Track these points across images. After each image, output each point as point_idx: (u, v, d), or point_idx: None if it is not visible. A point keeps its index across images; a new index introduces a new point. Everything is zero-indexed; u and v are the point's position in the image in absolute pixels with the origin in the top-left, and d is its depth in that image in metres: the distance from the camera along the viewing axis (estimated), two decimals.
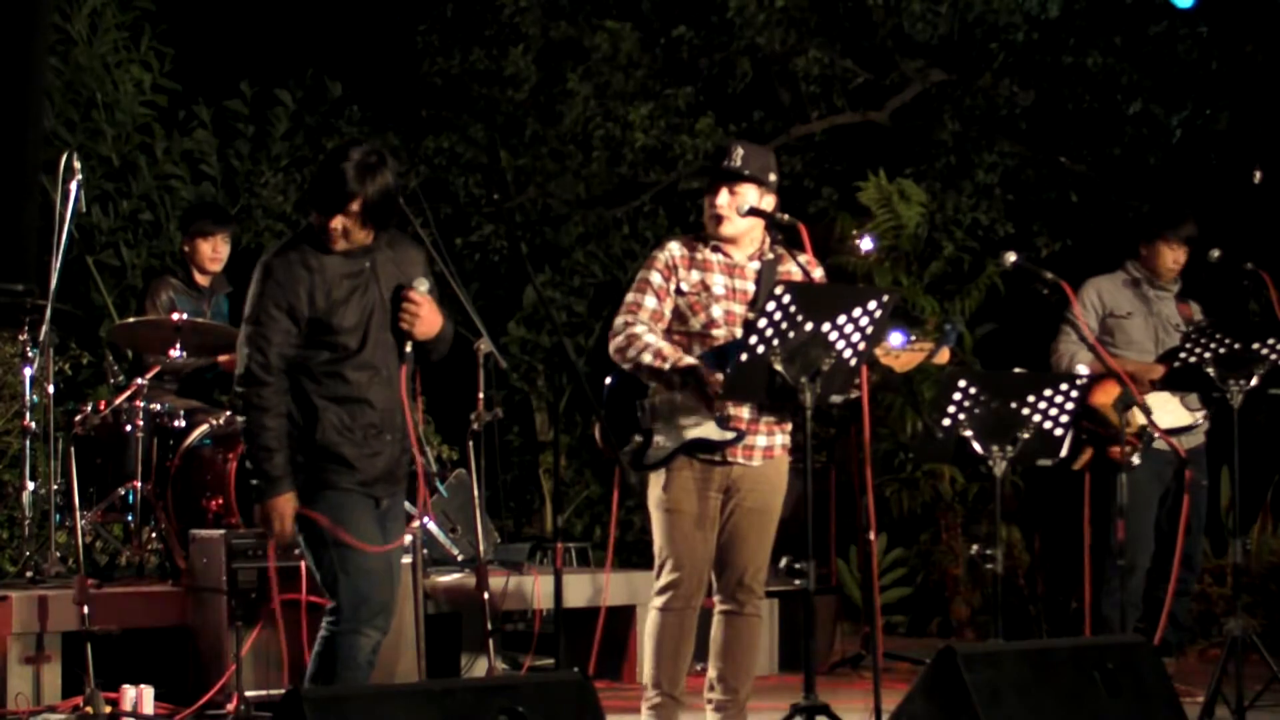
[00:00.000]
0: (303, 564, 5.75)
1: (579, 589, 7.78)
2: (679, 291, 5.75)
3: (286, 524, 5.11)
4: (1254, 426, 7.48)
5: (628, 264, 11.50)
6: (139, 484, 7.29)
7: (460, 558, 7.74)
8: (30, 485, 7.31)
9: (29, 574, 7.06)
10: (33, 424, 7.34)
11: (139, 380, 7.39)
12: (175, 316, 7.42)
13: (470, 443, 7.43)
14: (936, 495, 10.23)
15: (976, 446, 5.77)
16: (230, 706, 6.39)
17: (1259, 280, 6.92)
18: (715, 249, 5.79)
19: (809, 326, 5.31)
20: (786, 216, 5.74)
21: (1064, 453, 5.93)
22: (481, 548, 7.28)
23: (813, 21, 11.11)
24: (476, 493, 7.56)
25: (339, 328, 5.13)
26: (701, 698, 5.91)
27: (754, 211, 5.71)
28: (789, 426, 5.83)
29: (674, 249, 5.80)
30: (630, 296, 5.78)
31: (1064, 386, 5.85)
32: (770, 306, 5.27)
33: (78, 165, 7.30)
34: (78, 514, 7.21)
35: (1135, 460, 7.14)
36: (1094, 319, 7.62)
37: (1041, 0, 10.80)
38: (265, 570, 6.22)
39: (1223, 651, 6.34)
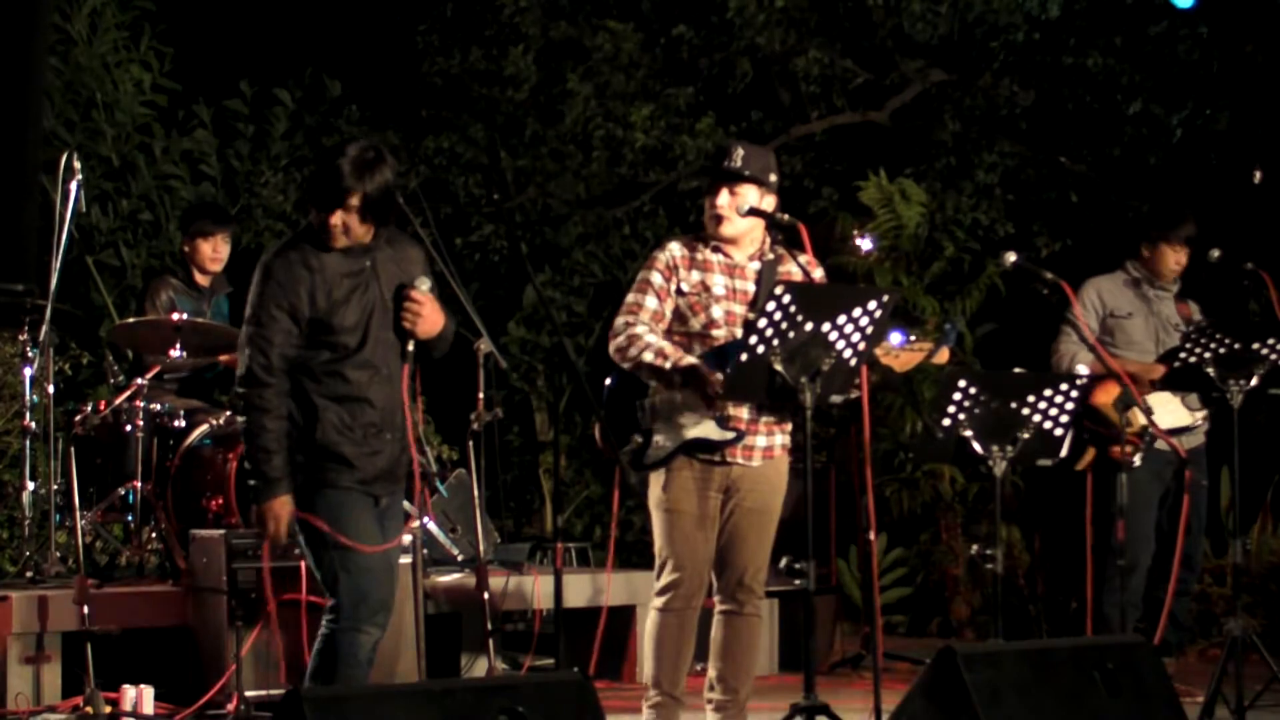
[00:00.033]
0: (302, 564, 5.75)
1: (579, 589, 7.78)
2: (679, 292, 5.75)
3: (281, 527, 5.11)
4: (1254, 426, 7.48)
5: (628, 264, 11.50)
6: (139, 484, 7.29)
7: (460, 558, 7.74)
8: (30, 485, 7.31)
9: (29, 574, 7.06)
10: (33, 424, 7.33)
11: (139, 380, 7.39)
12: (175, 316, 7.42)
13: (470, 443, 7.43)
14: (936, 495, 10.23)
15: (976, 446, 5.77)
16: (230, 706, 6.38)
17: (1259, 280, 6.92)
18: (715, 249, 5.79)
19: (809, 326, 5.31)
20: (786, 216, 5.74)
21: (1064, 453, 5.94)
22: (481, 548, 7.28)
23: (813, 21, 11.11)
24: (476, 493, 7.56)
25: (339, 327, 5.13)
26: (701, 698, 5.91)
27: (754, 212, 5.72)
28: (789, 426, 5.84)
29: (674, 249, 5.81)
30: (631, 297, 5.79)
31: (1064, 386, 5.85)
32: (770, 306, 5.27)
33: (78, 165, 7.30)
34: (78, 514, 7.21)
35: (1137, 460, 7.15)
36: (1094, 319, 7.62)
37: (1041, 0, 10.79)
38: (268, 569, 6.21)
39: (1223, 651, 6.34)
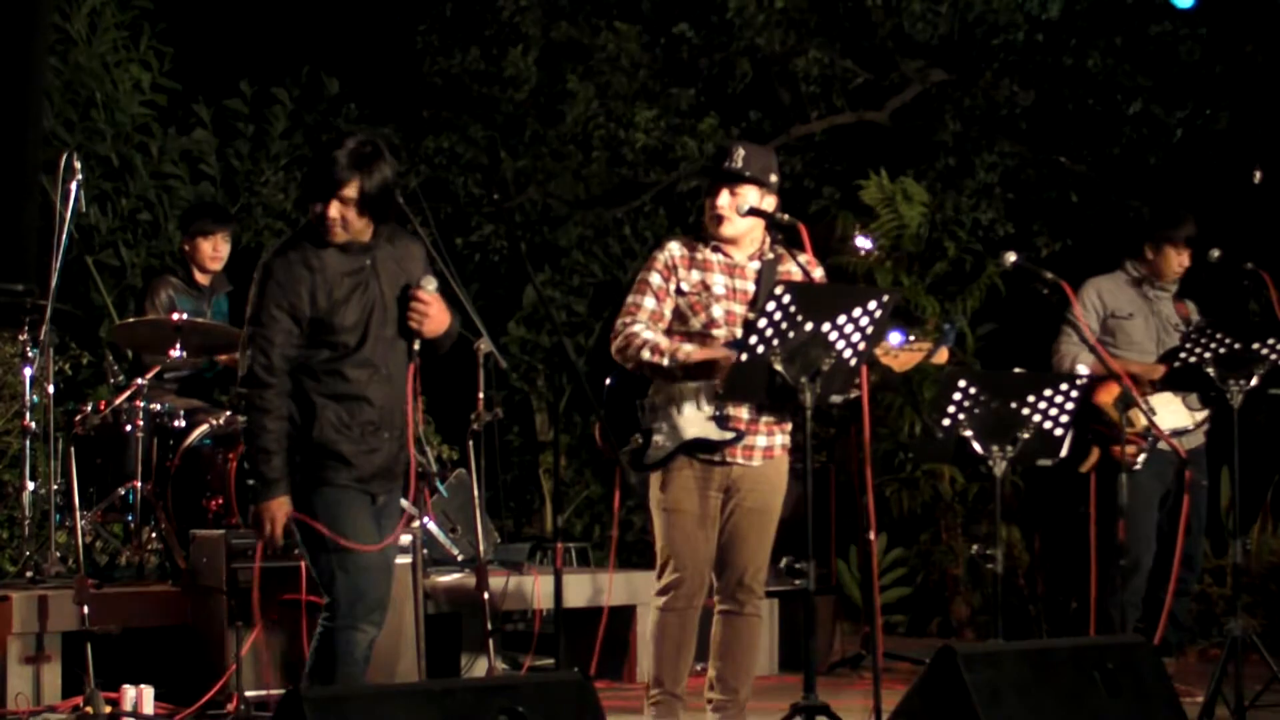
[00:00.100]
0: (302, 564, 5.75)
1: (579, 589, 7.78)
2: (679, 291, 5.75)
3: (277, 528, 5.12)
4: (1254, 426, 7.48)
5: (628, 264, 11.51)
6: (139, 484, 7.29)
7: (460, 558, 7.74)
8: (30, 485, 7.31)
9: (29, 574, 7.06)
10: (33, 424, 7.33)
11: (139, 380, 7.39)
12: (175, 316, 7.42)
13: (470, 443, 7.43)
14: (936, 495, 10.23)
15: (976, 446, 5.77)
16: (230, 706, 6.39)
17: (1259, 280, 6.92)
18: (715, 249, 5.80)
19: (809, 326, 5.31)
20: (786, 216, 5.75)
21: (1064, 453, 5.94)
22: (481, 548, 7.28)
23: (813, 22, 11.11)
24: (476, 493, 7.56)
25: (340, 326, 5.13)
26: (702, 698, 5.92)
27: (754, 211, 5.72)
28: (789, 426, 5.84)
29: (674, 249, 5.81)
30: (630, 298, 5.80)
31: (1064, 386, 5.85)
32: (770, 306, 5.27)
33: (78, 165, 7.30)
34: (78, 514, 7.21)
35: (1140, 461, 7.16)
36: (1095, 320, 7.61)
37: (1041, 0, 10.79)
38: (264, 570, 6.21)
39: (1223, 651, 6.34)
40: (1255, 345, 6.38)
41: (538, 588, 7.57)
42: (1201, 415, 7.48)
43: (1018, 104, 11.03)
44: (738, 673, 5.84)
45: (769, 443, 5.78)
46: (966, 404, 5.75)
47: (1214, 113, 10.63)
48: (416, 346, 5.24)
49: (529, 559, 8.75)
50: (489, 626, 7.05)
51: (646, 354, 5.66)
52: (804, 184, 11.37)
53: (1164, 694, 5.42)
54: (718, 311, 5.72)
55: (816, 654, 5.83)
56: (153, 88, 10.86)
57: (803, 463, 5.35)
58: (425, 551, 7.17)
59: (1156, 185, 10.62)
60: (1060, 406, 5.83)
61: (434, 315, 5.22)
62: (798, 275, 5.70)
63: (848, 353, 5.41)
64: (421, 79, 11.64)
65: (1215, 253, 7.13)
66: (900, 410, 10.11)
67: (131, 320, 7.62)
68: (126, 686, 6.41)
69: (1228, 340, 6.41)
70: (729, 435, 5.68)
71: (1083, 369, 7.15)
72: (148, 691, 6.42)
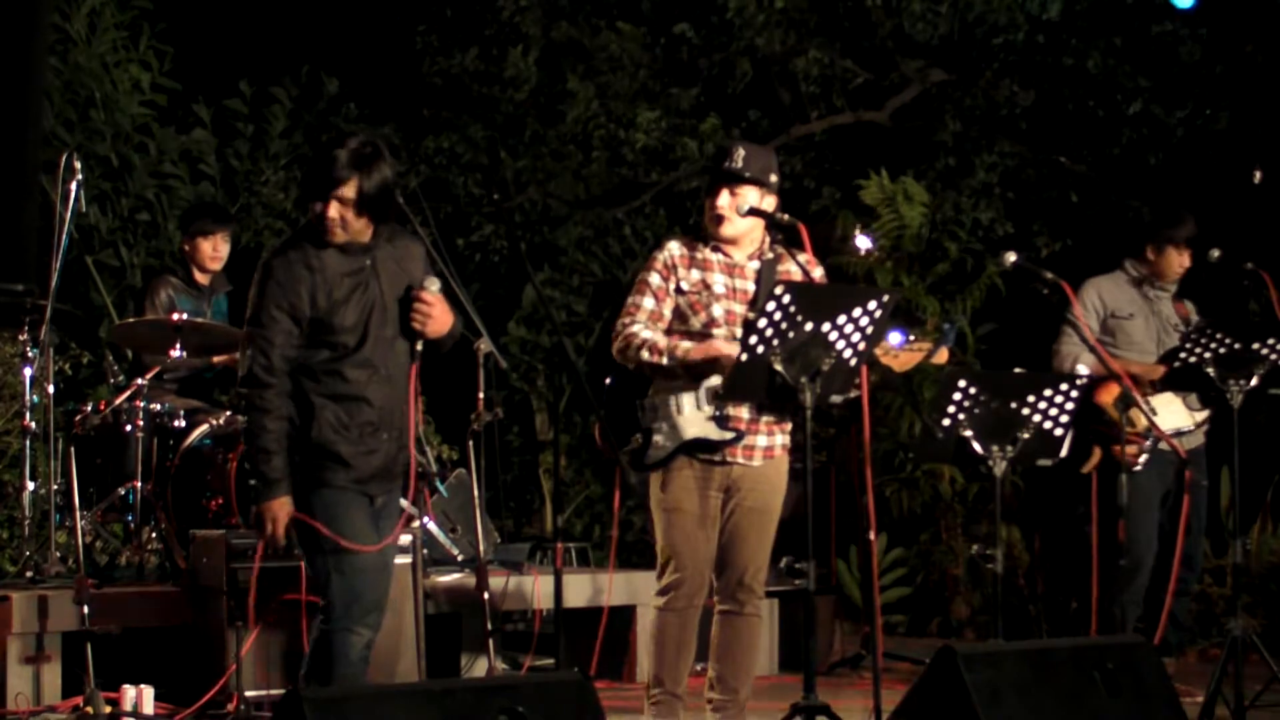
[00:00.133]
0: (302, 564, 5.75)
1: (579, 589, 7.78)
2: (679, 291, 5.76)
3: (279, 528, 5.11)
4: (1254, 426, 7.48)
5: (628, 264, 11.50)
6: (139, 484, 7.29)
7: (460, 558, 7.74)
8: (30, 485, 7.30)
9: (29, 574, 7.06)
10: (33, 424, 7.33)
11: (139, 380, 7.39)
12: (175, 316, 7.42)
13: (470, 443, 7.43)
14: (936, 495, 10.23)
15: (976, 446, 5.77)
16: (230, 706, 6.38)
17: (1259, 280, 6.91)
18: (715, 248, 5.80)
19: (809, 326, 5.31)
20: (786, 216, 5.75)
21: (1064, 453, 5.94)
22: (481, 548, 7.28)
23: (812, 22, 11.11)
24: (476, 493, 7.56)
25: (339, 327, 5.13)
26: (702, 698, 5.92)
27: (754, 211, 5.72)
28: (789, 426, 5.84)
29: (673, 249, 5.81)
30: (630, 298, 5.80)
31: (1064, 387, 5.85)
32: (770, 306, 5.27)
33: (78, 165, 7.29)
34: (78, 514, 7.21)
35: (1142, 461, 7.17)
36: (1095, 320, 7.61)
37: (1041, 0, 10.79)
38: (264, 570, 6.21)
39: (1223, 651, 6.34)
40: (1255, 345, 6.38)
41: (538, 588, 7.57)
42: (1202, 415, 7.48)
43: (1018, 104, 11.03)
44: (738, 673, 5.84)
45: (769, 443, 5.78)
46: (966, 404, 5.75)
47: (1214, 113, 10.63)
48: (420, 347, 5.24)
49: (529, 559, 8.74)
50: (489, 626, 7.05)
51: (646, 353, 5.66)
52: (804, 184, 11.37)
53: (1164, 694, 5.42)
54: (718, 311, 5.73)
55: (816, 654, 5.83)
56: (152, 88, 10.86)
57: (803, 463, 5.35)
58: (425, 551, 7.17)
59: (1156, 185, 10.62)
60: (1060, 407, 5.83)
61: (437, 316, 5.22)
62: (798, 275, 5.70)
63: (848, 353, 5.41)
64: (421, 79, 11.64)
65: (1215, 253, 7.13)
66: (900, 410, 10.11)
67: (131, 320, 7.62)
68: (126, 686, 6.41)
69: (1228, 340, 6.41)
70: (729, 435, 5.68)
71: (1083, 369, 7.15)
72: (148, 691, 6.42)
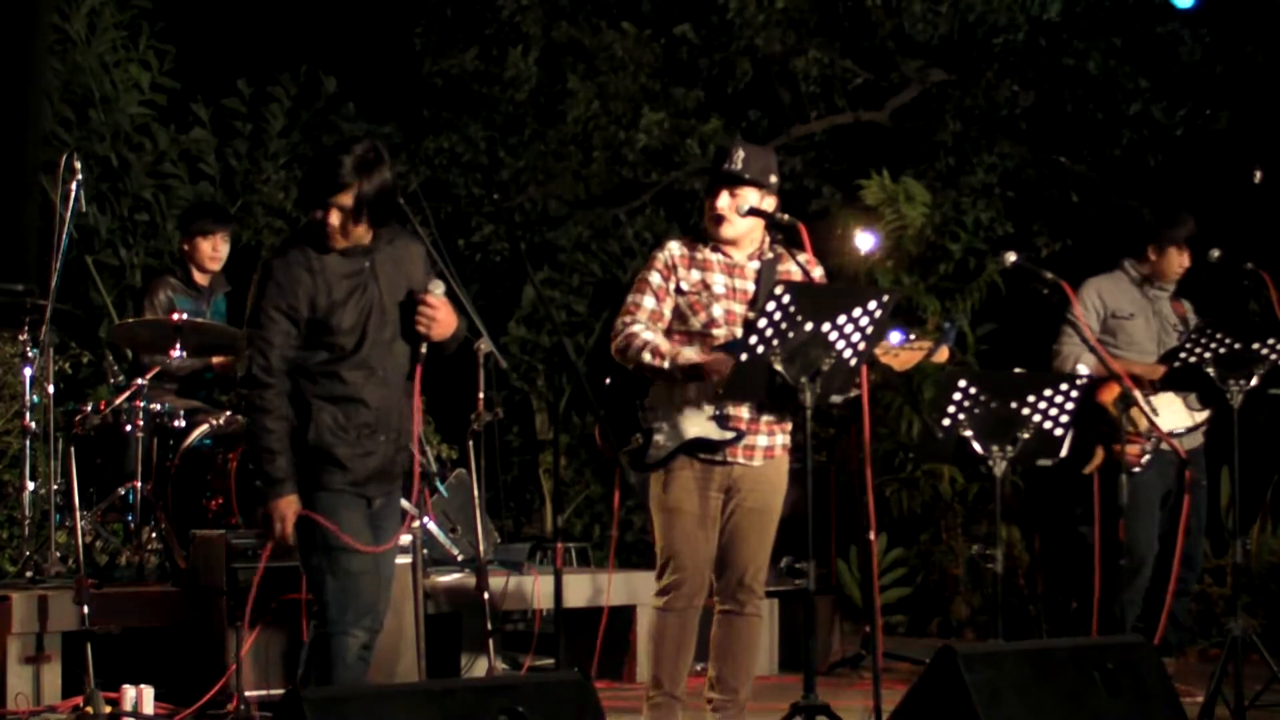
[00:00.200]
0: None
1: (579, 589, 7.78)
2: (679, 291, 5.76)
3: (288, 526, 5.11)
4: (1254, 426, 7.48)
5: (628, 264, 11.50)
6: (139, 484, 7.29)
7: (460, 558, 7.74)
8: (30, 485, 7.30)
9: (29, 574, 7.06)
10: (33, 424, 7.33)
11: (139, 380, 7.39)
12: (175, 316, 7.42)
13: (470, 443, 7.43)
14: (936, 495, 10.23)
15: (976, 446, 5.77)
16: (230, 706, 6.38)
17: (1259, 280, 6.91)
18: (715, 248, 5.80)
19: (809, 326, 5.31)
20: (786, 216, 5.75)
21: (1064, 453, 5.94)
22: (481, 548, 7.28)
23: (813, 22, 11.11)
24: (476, 493, 7.56)
25: (337, 328, 5.12)
26: (702, 698, 5.91)
27: (754, 211, 5.72)
28: (789, 426, 5.84)
29: (674, 249, 5.81)
30: (630, 298, 5.80)
31: (1064, 387, 5.85)
32: (770, 306, 5.27)
33: (78, 165, 7.30)
34: (78, 514, 7.20)
35: (1144, 461, 7.16)
36: (1095, 320, 7.60)
37: (1041, 0, 10.79)
38: (265, 570, 6.21)
39: (1223, 651, 6.34)
40: (1255, 345, 6.38)
41: (538, 588, 7.57)
42: (1202, 415, 7.48)
43: (1018, 104, 11.03)
44: (738, 673, 5.84)
45: (769, 442, 5.78)
46: (966, 404, 5.75)
47: (1214, 113, 10.63)
48: (424, 350, 5.24)
49: (529, 559, 8.74)
50: (489, 626, 7.05)
51: (647, 356, 5.65)
52: (804, 184, 11.37)
53: (1164, 694, 5.42)
54: (717, 311, 5.73)
55: (816, 654, 5.84)
56: (152, 87, 10.86)
57: (803, 463, 5.35)
58: (425, 551, 7.17)
59: (1156, 185, 10.62)
60: (1060, 407, 5.83)
61: (442, 319, 5.21)
62: (797, 275, 5.70)
63: (848, 352, 5.41)
64: (421, 79, 11.64)
65: (1215, 253, 7.13)
66: (900, 410, 10.11)
67: (131, 320, 7.62)
68: (126, 686, 6.41)
69: (1228, 340, 6.41)
70: (729, 435, 5.68)
71: (1083, 369, 7.15)
72: (148, 691, 6.42)
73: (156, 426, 7.40)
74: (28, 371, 7.30)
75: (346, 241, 5.12)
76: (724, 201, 5.74)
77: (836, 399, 5.58)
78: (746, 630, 5.85)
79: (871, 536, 6.08)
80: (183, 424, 7.43)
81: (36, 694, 6.59)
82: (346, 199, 5.05)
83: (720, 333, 5.71)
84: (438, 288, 5.23)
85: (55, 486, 7.26)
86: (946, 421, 5.77)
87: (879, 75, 11.37)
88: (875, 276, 10.17)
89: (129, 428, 7.36)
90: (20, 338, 7.39)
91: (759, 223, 5.77)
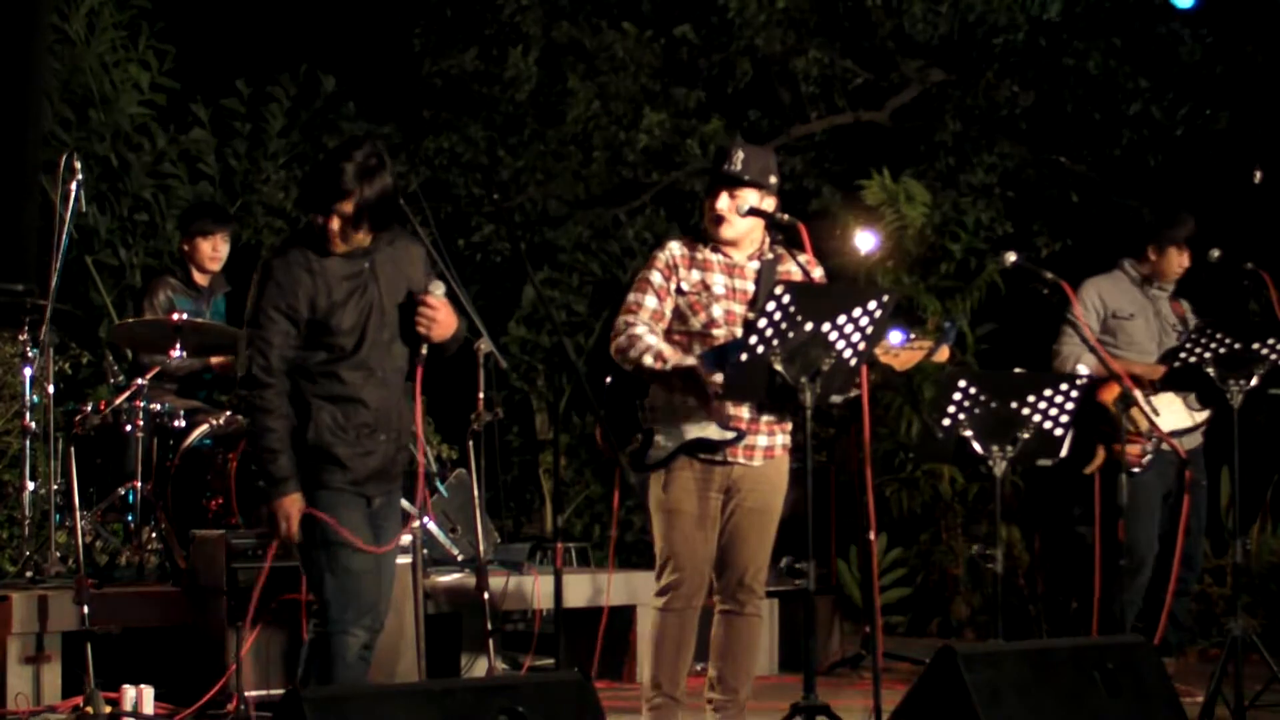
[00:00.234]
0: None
1: (579, 589, 7.78)
2: (679, 291, 5.75)
3: (293, 524, 5.11)
4: (1254, 426, 7.48)
5: (628, 264, 11.50)
6: (139, 484, 7.29)
7: (460, 558, 7.74)
8: (30, 485, 7.30)
9: (29, 574, 7.06)
10: (33, 424, 7.33)
11: (139, 380, 7.39)
12: (175, 316, 7.42)
13: (470, 443, 7.43)
14: (936, 495, 10.23)
15: (976, 446, 5.77)
16: (230, 706, 6.38)
17: (1259, 280, 6.92)
18: (715, 249, 5.80)
19: (809, 326, 5.30)
20: (786, 216, 5.75)
21: (1064, 453, 5.93)
22: (481, 548, 7.28)
23: (813, 22, 11.12)
24: (476, 493, 7.56)
25: (337, 329, 5.13)
26: (701, 698, 5.91)
27: (754, 211, 5.72)
28: (789, 426, 5.84)
29: (674, 249, 5.81)
30: (631, 296, 5.79)
31: (1064, 387, 5.85)
32: (770, 306, 5.26)
33: (78, 165, 7.30)
34: (78, 514, 7.20)
35: (1144, 461, 7.16)
36: (1095, 320, 7.60)
37: (1041, 0, 10.79)
38: (266, 570, 6.21)
39: (1223, 651, 6.34)
40: (1255, 345, 6.38)
41: (538, 588, 7.57)
42: (1202, 415, 7.48)
43: (1018, 104, 11.03)
44: (738, 673, 5.84)
45: (770, 442, 5.78)
46: (966, 404, 5.75)
47: (1214, 113, 10.63)
48: (424, 351, 5.24)
49: (529, 559, 8.74)
50: (489, 626, 7.05)
51: (649, 359, 5.64)
52: (804, 184, 11.37)
53: (1164, 694, 5.42)
54: (717, 311, 5.72)
55: (816, 654, 5.84)
56: (151, 87, 10.86)
57: (803, 463, 5.35)
58: (425, 551, 7.17)
59: (1156, 185, 10.62)
60: (1060, 407, 5.83)
61: (443, 320, 5.22)
62: (797, 275, 5.70)
63: (848, 352, 5.40)
64: (421, 79, 11.64)
65: (1215, 253, 7.13)
66: (900, 410, 10.11)
67: (130, 320, 7.62)
68: (126, 686, 6.41)
69: (1228, 340, 6.41)
70: (730, 435, 5.68)
71: (1083, 369, 7.15)
72: (148, 691, 6.42)
73: (156, 426, 7.40)
74: (28, 371, 7.31)
75: (347, 246, 5.13)
76: (724, 202, 5.74)
77: (836, 399, 5.58)
78: (747, 630, 5.84)
79: (871, 536, 6.07)
80: (183, 424, 7.43)
81: (36, 694, 6.59)
82: (348, 206, 5.06)
83: (720, 333, 5.70)
84: (438, 288, 5.23)
85: (55, 486, 7.26)
86: (946, 421, 5.77)
87: (879, 75, 11.37)
88: (875, 276, 10.17)
89: (129, 428, 7.36)
90: (20, 338, 7.39)
91: (759, 223, 5.77)
